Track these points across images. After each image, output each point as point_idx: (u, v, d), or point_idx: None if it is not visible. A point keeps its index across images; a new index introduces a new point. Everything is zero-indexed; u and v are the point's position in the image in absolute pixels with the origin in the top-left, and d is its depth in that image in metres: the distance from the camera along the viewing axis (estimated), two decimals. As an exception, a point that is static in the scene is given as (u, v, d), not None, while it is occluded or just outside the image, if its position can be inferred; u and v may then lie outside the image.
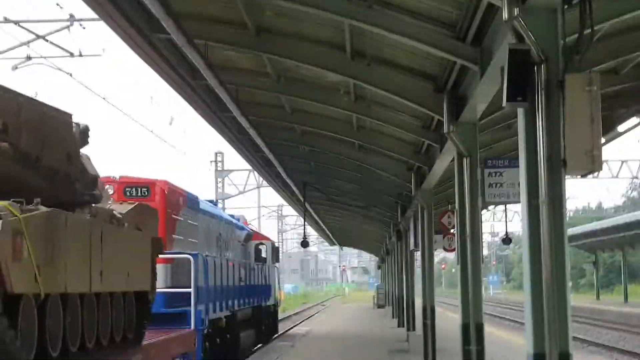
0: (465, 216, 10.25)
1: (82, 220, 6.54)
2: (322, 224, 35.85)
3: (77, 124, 6.88)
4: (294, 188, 23.13)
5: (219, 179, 38.86)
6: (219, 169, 38.91)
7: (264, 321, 21.62)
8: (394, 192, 21.62)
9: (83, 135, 6.95)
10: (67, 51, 15.95)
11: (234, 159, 69.70)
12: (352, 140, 16.53)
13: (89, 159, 7.28)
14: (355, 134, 15.72)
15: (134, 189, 12.73)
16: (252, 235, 21.88)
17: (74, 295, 6.37)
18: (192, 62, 10.37)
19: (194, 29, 9.96)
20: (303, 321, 35.48)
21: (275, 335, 24.25)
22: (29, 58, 15.37)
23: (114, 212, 7.50)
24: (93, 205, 7.11)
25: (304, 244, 29.26)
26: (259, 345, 21.09)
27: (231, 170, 39.31)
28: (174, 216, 13.63)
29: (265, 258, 22.19)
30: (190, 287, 11.86)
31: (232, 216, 21.13)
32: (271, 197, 65.34)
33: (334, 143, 17.38)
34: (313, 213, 29.85)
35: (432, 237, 16.55)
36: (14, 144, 5.67)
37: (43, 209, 5.68)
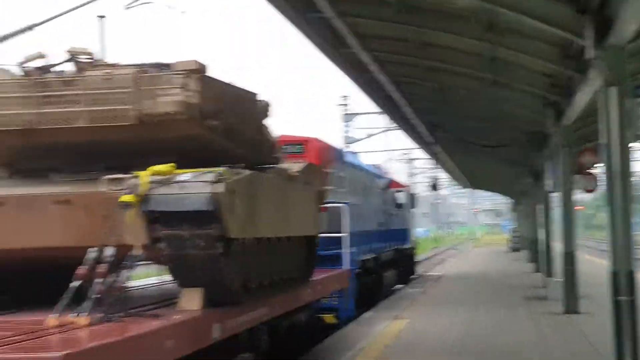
0: (612, 152, 9.52)
1: (271, 179, 8.09)
2: (452, 166, 35.19)
3: (261, 101, 8.37)
4: (422, 129, 22.68)
5: (345, 123, 38.95)
6: (345, 112, 38.95)
7: (403, 263, 23.64)
8: (528, 130, 20.86)
9: (265, 109, 8.49)
10: (176, -12, 16.34)
11: (361, 102, 69.41)
12: (482, 75, 15.76)
13: (269, 127, 8.75)
14: (487, 68, 14.94)
15: (290, 146, 14.01)
16: (391, 183, 23.43)
17: (264, 239, 7.84)
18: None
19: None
20: (435, 266, 35.30)
21: (413, 277, 26.10)
22: (139, -3, 15.70)
23: (290, 170, 9.02)
24: (275, 165, 8.67)
25: (434, 187, 28.92)
26: (398, 285, 22.84)
27: (357, 114, 39.25)
28: (325, 169, 14.64)
29: (402, 204, 24.16)
30: (341, 232, 13.71)
31: (372, 166, 22.79)
32: (399, 140, 64.94)
33: (463, 79, 16.77)
34: (442, 155, 29.28)
35: (571, 178, 15.81)
36: (222, 121, 7.13)
37: (246, 172, 7.10)
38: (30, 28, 16.70)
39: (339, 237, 13.66)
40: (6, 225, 6.58)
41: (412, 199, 26.36)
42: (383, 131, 39.69)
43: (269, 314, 8.20)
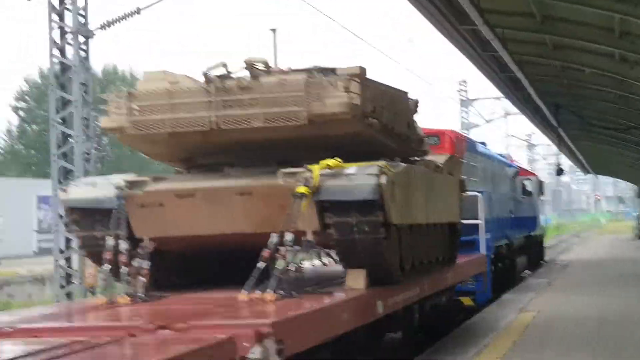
0: None
1: (422, 171, 9.45)
2: (575, 151, 35.35)
3: (411, 99, 9.67)
4: (545, 111, 23.15)
5: (464, 108, 39.89)
6: (463, 98, 39.90)
7: (533, 249, 25.61)
8: (659, 110, 20.96)
9: (415, 107, 9.80)
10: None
11: (480, 87, 69.80)
12: (611, 51, 15.67)
13: (417, 123, 10.04)
14: (617, 42, 14.83)
15: (427, 138, 15.38)
16: (519, 171, 25.06)
17: (416, 225, 9.08)
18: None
19: None
20: (559, 254, 35.72)
21: (542, 262, 28.08)
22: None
23: (436, 162, 10.33)
24: (423, 158, 10.08)
25: (559, 171, 29.24)
26: (528, 270, 24.64)
27: (476, 99, 40.17)
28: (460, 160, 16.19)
29: (531, 192, 25.97)
30: (477, 219, 15.07)
31: (501, 155, 24.48)
32: (519, 125, 64.93)
33: (590, 56, 16.72)
34: (566, 139, 29.60)
35: None
36: (379, 120, 8.40)
37: (402, 164, 8.42)
38: (137, 12, 16.96)
39: (475, 224, 14.90)
40: (195, 214, 7.91)
41: (540, 186, 27.93)
42: (503, 116, 40.41)
43: (420, 294, 9.42)
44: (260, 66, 8.06)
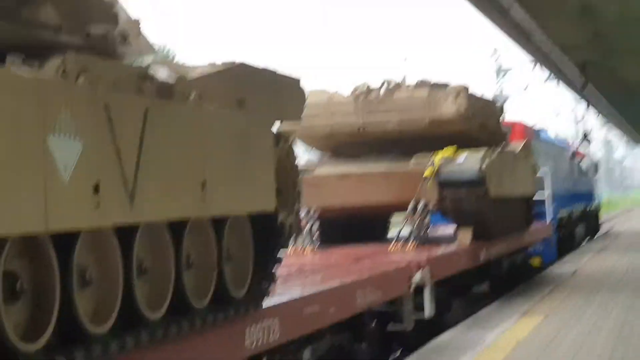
0: None
1: (507, 156, 13.81)
2: (615, 117, 34.15)
3: (498, 104, 14.92)
4: (569, 70, 20.91)
5: (498, 79, 43.06)
6: (497, 67, 43.04)
7: (589, 221, 31.69)
8: None
9: (501, 110, 14.77)
10: None
11: (515, 56, 71.56)
12: None
13: (503, 121, 14.58)
14: None
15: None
16: (576, 153, 30.57)
17: (504, 197, 13.28)
18: None
19: None
20: (613, 226, 39.68)
21: (597, 234, 33.54)
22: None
23: (516, 149, 14.83)
24: (506, 146, 14.46)
25: (584, 138, 30.83)
26: (587, 237, 30.50)
27: (509, 70, 43.25)
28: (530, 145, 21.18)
29: (587, 172, 32.16)
30: (544, 192, 19.82)
31: (560, 139, 30.69)
32: (562, 96, 66.47)
33: None
34: (599, 102, 28.31)
35: None
36: (478, 120, 13.12)
37: (496, 152, 12.81)
38: None
39: (542, 198, 19.38)
40: (349, 190, 12.31)
41: (595, 167, 34.16)
42: (541, 84, 43.10)
43: (507, 249, 13.88)
44: (394, 84, 12.50)
